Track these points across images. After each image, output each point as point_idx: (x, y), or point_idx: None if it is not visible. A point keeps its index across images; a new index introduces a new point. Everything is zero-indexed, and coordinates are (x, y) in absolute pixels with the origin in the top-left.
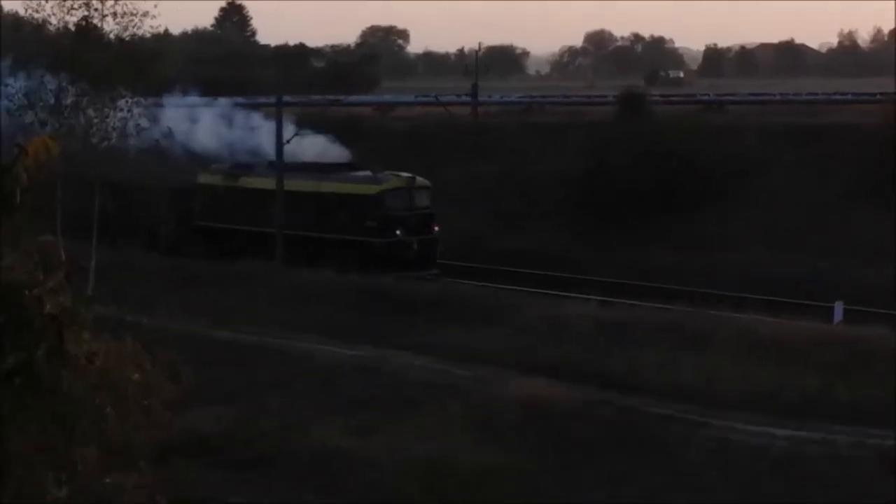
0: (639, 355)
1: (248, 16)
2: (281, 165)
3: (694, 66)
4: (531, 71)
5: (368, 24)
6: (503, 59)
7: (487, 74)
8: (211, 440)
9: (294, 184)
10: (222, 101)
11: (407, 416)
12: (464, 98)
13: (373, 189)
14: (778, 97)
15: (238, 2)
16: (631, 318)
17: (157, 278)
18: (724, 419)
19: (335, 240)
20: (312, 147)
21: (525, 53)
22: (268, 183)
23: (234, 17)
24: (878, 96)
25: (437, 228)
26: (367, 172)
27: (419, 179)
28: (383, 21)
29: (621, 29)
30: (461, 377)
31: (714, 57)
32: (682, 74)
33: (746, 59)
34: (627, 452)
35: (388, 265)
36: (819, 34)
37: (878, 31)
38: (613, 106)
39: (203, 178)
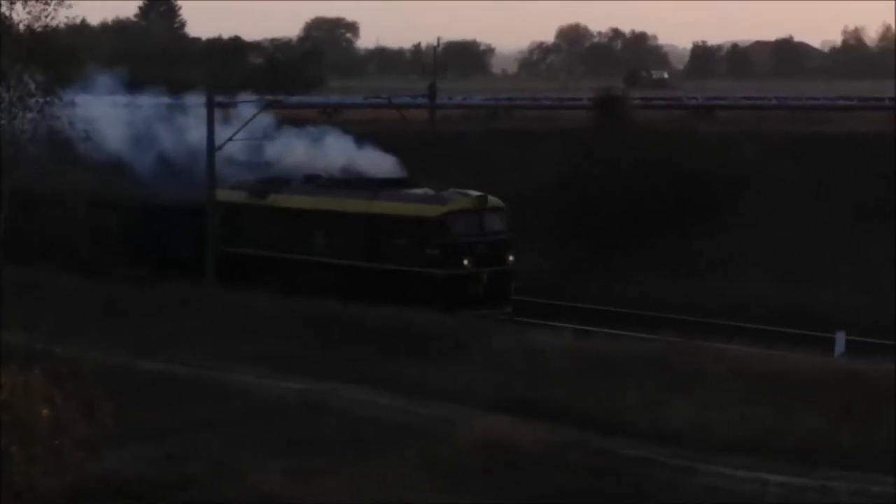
0: (619, 392)
1: (176, 5)
2: (211, 172)
3: (680, 66)
4: (496, 70)
5: (313, 16)
6: (465, 57)
7: (447, 74)
8: (132, 486)
9: (335, 203)
10: (146, 100)
11: (357, 459)
12: (420, 100)
13: (435, 210)
14: (775, 102)
15: None
16: (611, 350)
17: (76, 303)
18: (714, 464)
19: (387, 271)
20: (342, 156)
21: (490, 50)
22: (306, 202)
23: (160, 8)
24: (887, 102)
25: (511, 258)
26: (427, 190)
27: (491, 199)
28: (329, 13)
29: (598, 24)
30: (419, 415)
31: (703, 56)
32: (666, 75)
33: (739, 59)
34: (602, 501)
35: (451, 302)
36: (821, 32)
37: (888, 28)
38: (589, 110)
39: (222, 195)
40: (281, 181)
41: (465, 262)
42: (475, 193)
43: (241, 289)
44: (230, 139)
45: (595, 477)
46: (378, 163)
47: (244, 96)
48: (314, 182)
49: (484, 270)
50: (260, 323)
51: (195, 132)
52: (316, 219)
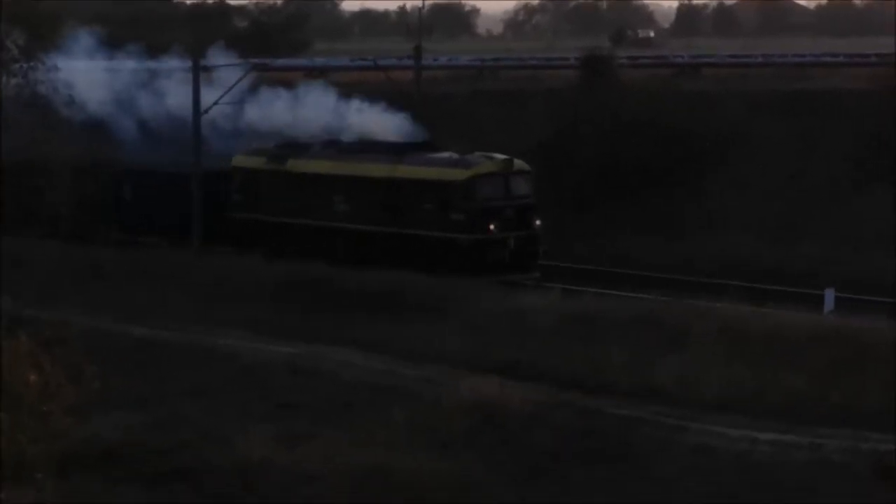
0: (607, 352)
1: None
2: (197, 135)
3: (666, 25)
4: (482, 31)
5: None
6: (450, 18)
7: (432, 35)
8: (119, 451)
9: (358, 168)
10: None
11: (345, 422)
12: (406, 61)
13: (460, 174)
14: (761, 59)
15: None
16: (598, 309)
17: (61, 269)
18: (703, 423)
19: (412, 236)
20: (367, 120)
21: (475, 11)
22: (327, 166)
23: None
24: (873, 58)
25: (538, 223)
26: (452, 154)
27: (517, 162)
28: None
29: None
30: (407, 377)
31: (688, 14)
32: (652, 34)
33: (725, 17)
34: (590, 461)
35: (478, 267)
36: None
37: None
38: (575, 70)
39: (239, 161)
40: (300, 146)
41: (492, 226)
42: (501, 157)
43: (229, 254)
44: (216, 103)
45: (583, 437)
46: (375, 119)
47: (229, 59)
48: (334, 147)
49: (511, 235)
50: (247, 288)
51: (181, 96)
52: (337, 184)
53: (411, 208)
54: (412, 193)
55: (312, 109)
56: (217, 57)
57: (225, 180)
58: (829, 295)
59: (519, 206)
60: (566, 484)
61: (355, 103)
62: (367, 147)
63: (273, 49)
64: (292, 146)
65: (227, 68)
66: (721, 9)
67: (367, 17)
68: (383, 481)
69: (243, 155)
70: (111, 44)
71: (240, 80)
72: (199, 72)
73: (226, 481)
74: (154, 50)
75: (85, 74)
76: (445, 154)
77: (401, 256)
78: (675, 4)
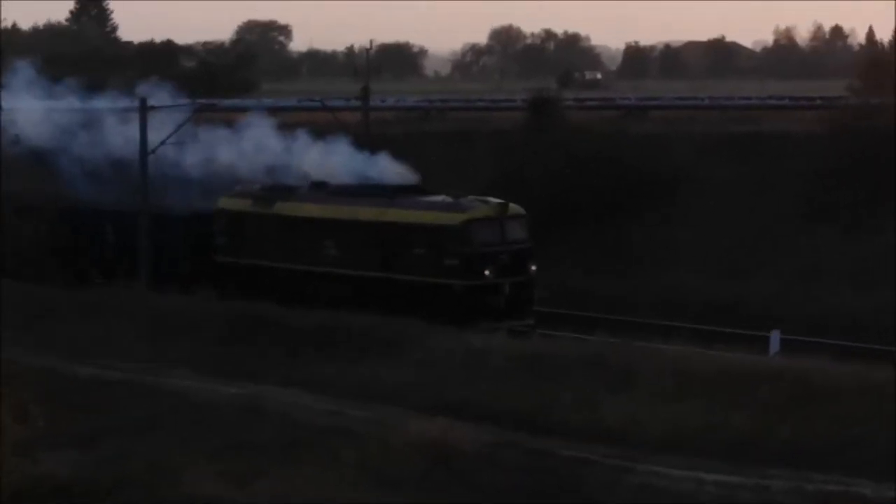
0: (555, 392)
1: (107, 9)
2: (144, 175)
3: (613, 67)
4: (429, 72)
5: (245, 19)
6: (398, 59)
7: (380, 75)
8: (68, 489)
9: (347, 211)
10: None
11: (293, 461)
12: (353, 102)
13: (455, 219)
14: (707, 102)
15: None
16: (546, 350)
17: (5, 307)
18: (649, 463)
19: (404, 282)
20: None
21: (423, 52)
22: (315, 210)
23: (91, 11)
24: (818, 101)
25: (533, 268)
26: (445, 197)
27: (512, 207)
28: (262, 16)
29: (531, 25)
30: (355, 418)
31: (635, 56)
32: (599, 76)
33: (672, 59)
34: (538, 501)
35: (472, 314)
36: (753, 32)
37: (819, 28)
38: (523, 111)
39: (224, 203)
40: (287, 188)
41: (487, 272)
42: (495, 200)
43: (175, 293)
44: (163, 143)
45: (531, 477)
46: (326, 155)
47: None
48: (323, 189)
49: (506, 281)
50: (194, 326)
51: (130, 135)
52: (326, 228)
53: (403, 253)
54: (404, 238)
55: (258, 146)
56: (162, 97)
57: (209, 222)
58: (775, 337)
59: (514, 251)
60: None
61: (303, 138)
62: (357, 190)
63: (220, 89)
64: (279, 188)
65: (173, 108)
66: (668, 51)
67: (316, 58)
68: None
69: (228, 197)
70: (56, 81)
71: (186, 120)
72: (146, 111)
73: None
74: (99, 88)
75: (32, 114)
76: (439, 197)
77: (392, 302)
78: (621, 47)
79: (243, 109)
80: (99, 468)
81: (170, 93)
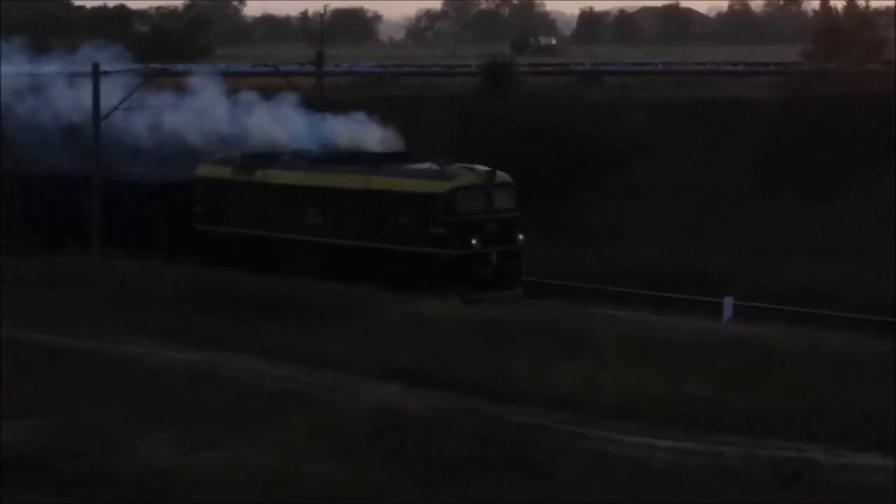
0: (509, 359)
1: None
2: (98, 142)
3: (567, 32)
4: (384, 37)
5: None
6: (352, 24)
7: (334, 41)
8: (20, 458)
9: (331, 178)
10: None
11: (248, 428)
12: (307, 68)
13: (441, 186)
14: (662, 67)
15: None
16: (500, 317)
17: None
18: (603, 430)
19: (389, 251)
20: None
21: (377, 17)
22: (298, 177)
23: None
24: (772, 67)
25: (521, 237)
26: (431, 165)
27: (500, 174)
28: None
29: None
30: (310, 384)
31: (590, 22)
32: (554, 41)
33: (626, 25)
34: (491, 467)
35: (458, 283)
36: None
37: None
38: (477, 77)
39: (204, 171)
40: (269, 155)
41: (474, 241)
42: (482, 168)
43: (131, 259)
44: (115, 108)
45: (484, 443)
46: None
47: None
48: (305, 156)
49: (493, 250)
50: (150, 295)
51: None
52: (310, 196)
53: (388, 221)
54: (389, 206)
55: (207, 111)
56: (109, 60)
57: (187, 190)
58: (728, 303)
59: (502, 220)
60: (466, 489)
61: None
62: (341, 157)
63: (174, 55)
64: (260, 155)
65: (125, 73)
66: (622, 17)
67: (270, 23)
68: (286, 486)
69: (208, 164)
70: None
71: (138, 86)
72: (99, 78)
73: (130, 487)
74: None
75: None
76: (424, 165)
77: (377, 271)
78: (576, 12)
79: (196, 74)
80: (54, 439)
81: (118, 56)
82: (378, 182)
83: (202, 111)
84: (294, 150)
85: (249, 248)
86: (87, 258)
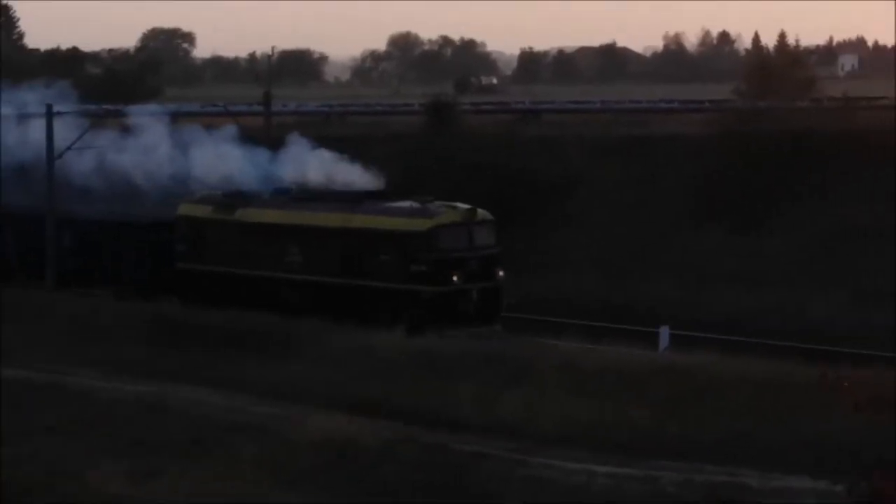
0: (452, 389)
1: (14, 16)
2: (51, 180)
3: (508, 72)
4: (330, 77)
5: (150, 27)
6: (299, 65)
7: (282, 81)
8: None
9: (311, 217)
10: None
11: (197, 458)
12: (255, 108)
13: (422, 224)
14: (599, 106)
15: (4, 1)
16: (442, 347)
17: None
18: (543, 456)
19: (370, 288)
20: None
21: (323, 58)
22: (278, 216)
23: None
24: (706, 104)
25: (501, 274)
26: (412, 203)
27: (480, 212)
28: (167, 23)
29: (429, 31)
30: (257, 415)
31: (529, 61)
32: (495, 81)
33: (565, 65)
34: (434, 494)
35: (439, 320)
36: (644, 37)
37: (706, 33)
38: (420, 115)
39: (185, 210)
40: (249, 194)
41: (455, 278)
42: (463, 206)
43: (86, 295)
44: (68, 149)
45: (428, 471)
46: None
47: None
48: (285, 195)
49: (473, 287)
50: (101, 327)
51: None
52: (289, 234)
53: (369, 259)
54: (369, 244)
55: (155, 150)
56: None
57: (168, 229)
58: (665, 333)
59: (482, 257)
60: None
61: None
62: (320, 195)
63: (126, 96)
64: (241, 195)
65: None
66: (560, 57)
67: (219, 65)
68: None
69: (189, 203)
70: None
71: (90, 126)
72: (52, 118)
73: None
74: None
75: None
76: (405, 203)
77: (359, 309)
78: (516, 52)
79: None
80: (6, 467)
81: (68, 97)
82: (358, 220)
83: (149, 150)
84: (274, 189)
85: (231, 286)
86: (43, 292)
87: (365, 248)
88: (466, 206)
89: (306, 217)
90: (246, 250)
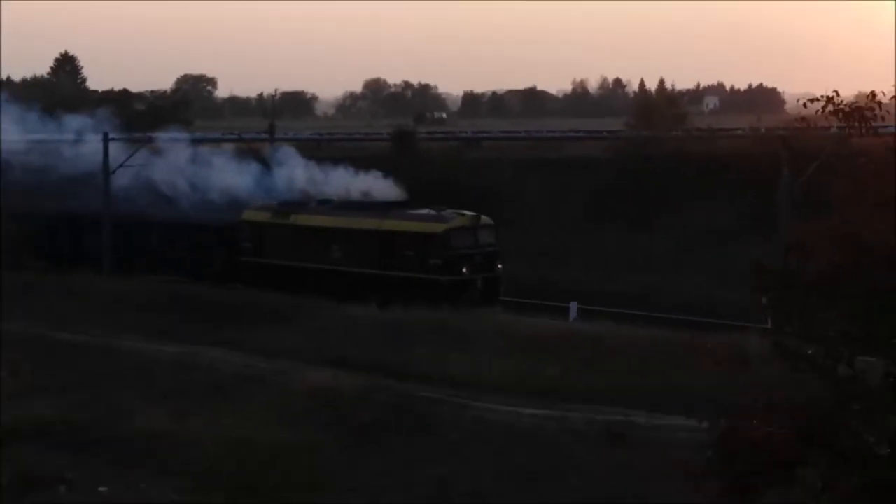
0: (413, 350)
1: (79, 65)
2: (107, 193)
3: (455, 108)
4: (320, 113)
5: (182, 73)
6: (296, 103)
7: (283, 115)
8: (47, 426)
9: (350, 221)
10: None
11: (218, 402)
12: (263, 135)
13: (438, 227)
14: (524, 134)
15: (71, 53)
16: (406, 319)
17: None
18: (483, 402)
19: (399, 277)
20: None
21: (314, 98)
22: (324, 220)
23: (67, 67)
24: (605, 134)
25: (500, 266)
26: (430, 210)
27: (483, 218)
28: (195, 69)
29: (394, 76)
30: (264, 369)
31: (471, 100)
32: (444, 115)
33: (498, 103)
34: (402, 430)
35: (452, 302)
36: (557, 82)
37: (604, 79)
38: (388, 142)
39: (248, 216)
40: (299, 203)
41: (464, 269)
42: (470, 213)
43: (134, 278)
44: (120, 166)
45: (396, 412)
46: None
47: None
48: (329, 204)
49: (479, 277)
50: (142, 303)
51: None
52: (334, 234)
53: (397, 254)
54: (397, 242)
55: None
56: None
57: (236, 231)
58: (573, 307)
59: (485, 253)
60: (384, 447)
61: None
62: (357, 205)
63: (164, 127)
64: (293, 203)
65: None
66: (494, 97)
67: (236, 102)
68: (247, 446)
69: (252, 210)
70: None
71: (137, 149)
72: (108, 143)
73: (133, 447)
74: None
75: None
76: (424, 210)
77: (389, 293)
78: (461, 93)
79: (181, 141)
80: (72, 410)
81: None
82: (388, 224)
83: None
84: (318, 199)
85: (285, 275)
86: (100, 276)
87: (393, 246)
88: (472, 213)
89: (347, 221)
90: (298, 247)
